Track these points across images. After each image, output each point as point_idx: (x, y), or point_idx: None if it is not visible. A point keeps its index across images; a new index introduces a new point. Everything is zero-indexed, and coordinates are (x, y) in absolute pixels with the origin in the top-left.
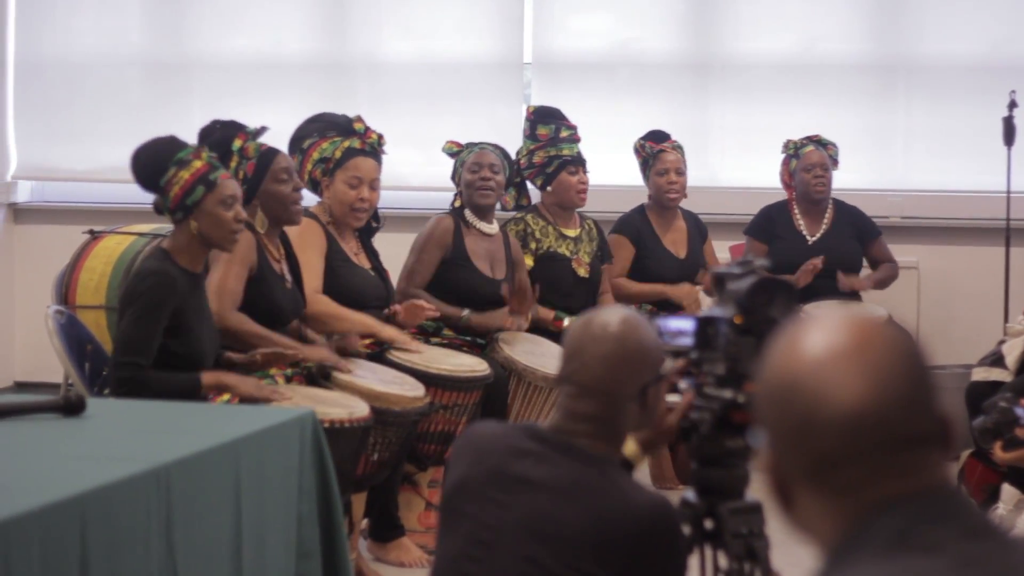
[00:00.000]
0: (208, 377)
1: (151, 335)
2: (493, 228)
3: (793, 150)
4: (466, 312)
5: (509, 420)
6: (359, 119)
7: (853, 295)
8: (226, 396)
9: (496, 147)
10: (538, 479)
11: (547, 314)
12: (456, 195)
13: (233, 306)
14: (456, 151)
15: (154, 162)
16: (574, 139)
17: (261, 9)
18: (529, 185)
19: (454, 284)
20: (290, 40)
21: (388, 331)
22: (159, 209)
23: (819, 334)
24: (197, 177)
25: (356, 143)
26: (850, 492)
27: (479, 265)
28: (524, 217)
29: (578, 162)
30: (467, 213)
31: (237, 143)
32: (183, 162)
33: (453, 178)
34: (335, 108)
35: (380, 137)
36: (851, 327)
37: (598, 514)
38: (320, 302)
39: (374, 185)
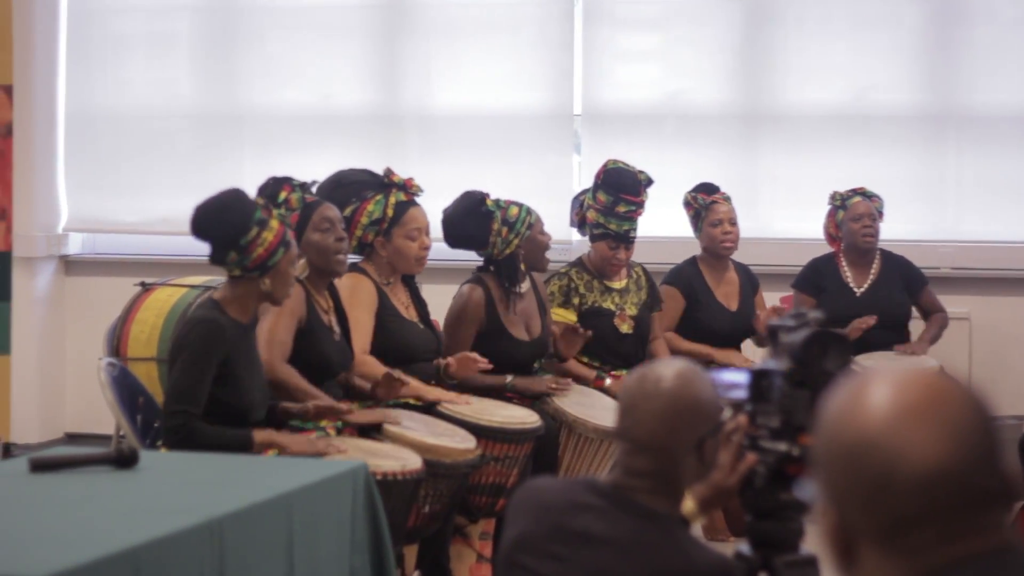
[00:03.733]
0: (260, 435)
1: (201, 383)
2: (525, 285)
3: (839, 202)
4: (509, 378)
5: (560, 472)
6: (390, 171)
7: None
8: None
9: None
10: (599, 534)
11: (588, 373)
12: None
13: (283, 357)
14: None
15: (239, 221)
16: (630, 215)
17: (312, 61)
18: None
19: (491, 355)
20: (341, 92)
21: (434, 393)
22: (222, 262)
23: (886, 390)
24: (280, 240)
25: (401, 196)
26: (922, 553)
27: (514, 332)
28: (568, 272)
29: (621, 239)
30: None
31: (282, 195)
32: (263, 223)
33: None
34: (386, 159)
35: (411, 181)
36: (918, 382)
37: (659, 572)
38: (367, 364)
39: (427, 231)
